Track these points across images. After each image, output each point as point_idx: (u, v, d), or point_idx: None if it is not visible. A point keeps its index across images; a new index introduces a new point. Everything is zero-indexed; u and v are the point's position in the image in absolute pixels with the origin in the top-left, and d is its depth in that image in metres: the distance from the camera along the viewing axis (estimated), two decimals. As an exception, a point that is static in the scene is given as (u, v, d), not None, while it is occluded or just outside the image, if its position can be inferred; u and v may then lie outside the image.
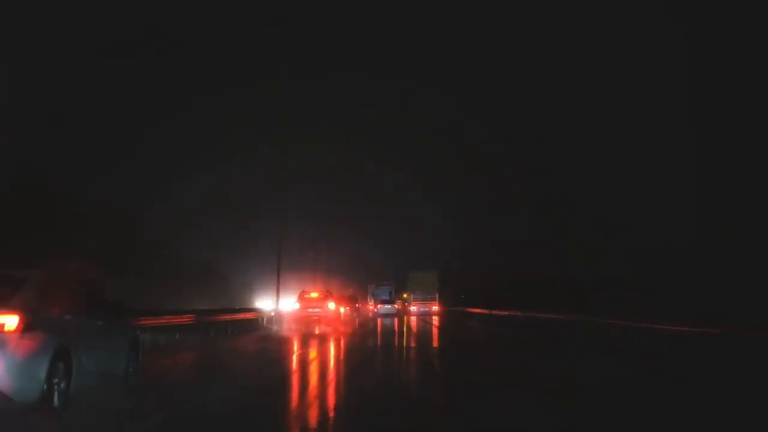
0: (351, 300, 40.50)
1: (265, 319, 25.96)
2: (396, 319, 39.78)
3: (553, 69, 55.24)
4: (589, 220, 41.86)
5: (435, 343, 20.21)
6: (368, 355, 15.47)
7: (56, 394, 6.36)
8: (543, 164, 55.90)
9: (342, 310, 36.17)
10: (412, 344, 19.83)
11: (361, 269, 63.64)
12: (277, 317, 27.03)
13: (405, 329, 28.30)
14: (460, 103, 71.95)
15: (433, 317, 43.66)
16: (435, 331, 27.18)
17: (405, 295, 60.24)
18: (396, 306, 52.67)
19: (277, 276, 27.58)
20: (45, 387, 6.18)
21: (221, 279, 39.20)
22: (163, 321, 15.68)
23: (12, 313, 6.07)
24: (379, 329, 27.69)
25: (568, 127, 54.46)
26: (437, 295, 49.12)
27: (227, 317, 21.62)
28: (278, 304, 29.92)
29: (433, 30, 64.72)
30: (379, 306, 50.64)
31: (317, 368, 12.49)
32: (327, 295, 27.25)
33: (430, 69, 71.84)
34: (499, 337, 23.03)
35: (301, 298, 27.26)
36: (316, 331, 23.62)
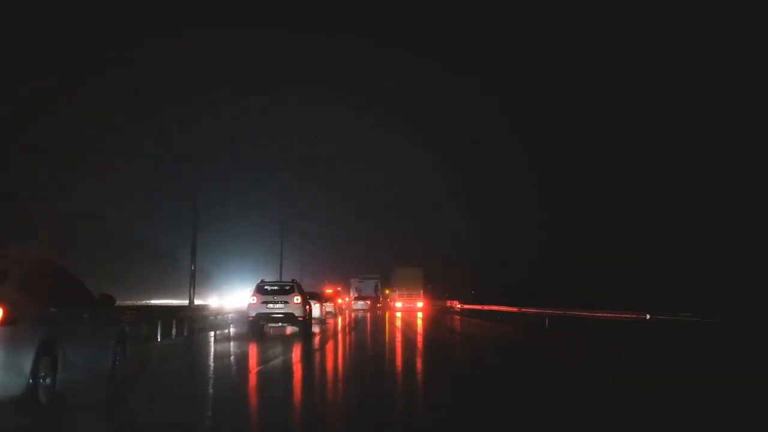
0: (334, 296, 40.06)
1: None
2: (371, 315, 39.72)
3: (558, 69, 56.17)
4: (591, 217, 41.99)
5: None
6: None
7: (41, 388, 6.16)
8: (547, 160, 56.66)
9: (328, 306, 35.03)
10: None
11: (346, 264, 63.97)
12: None
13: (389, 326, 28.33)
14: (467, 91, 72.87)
15: (418, 312, 43.92)
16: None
17: (387, 291, 60.46)
18: (368, 302, 52.28)
19: None
20: (30, 381, 5.98)
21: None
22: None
23: (-5, 305, 5.86)
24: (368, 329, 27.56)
25: (571, 126, 55.26)
26: (422, 291, 49.46)
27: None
28: None
29: (433, 29, 65.52)
30: (355, 301, 51.82)
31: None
32: (293, 288, 20.82)
33: (433, 63, 72.48)
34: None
35: (259, 290, 20.46)
36: (272, 333, 19.84)
